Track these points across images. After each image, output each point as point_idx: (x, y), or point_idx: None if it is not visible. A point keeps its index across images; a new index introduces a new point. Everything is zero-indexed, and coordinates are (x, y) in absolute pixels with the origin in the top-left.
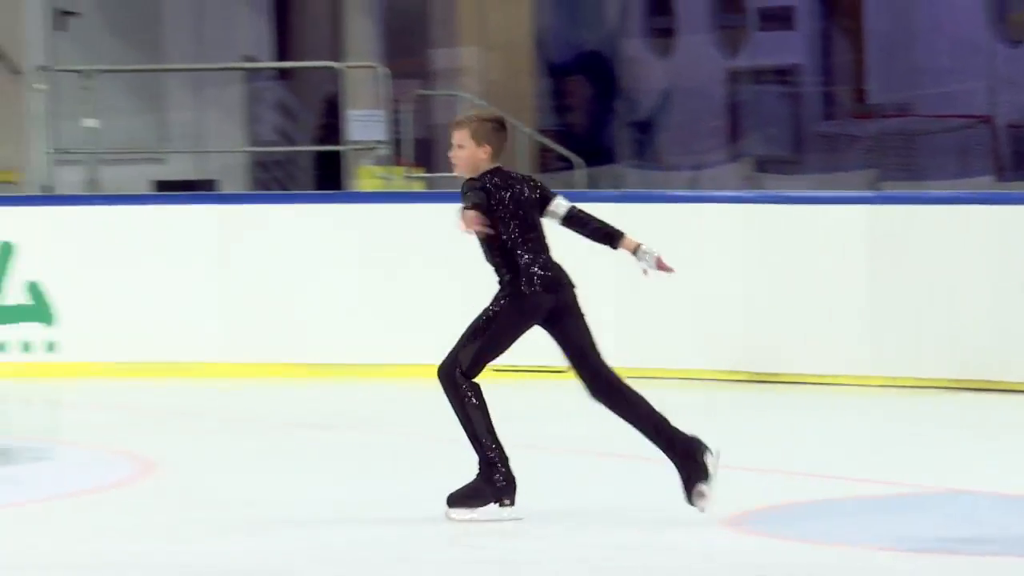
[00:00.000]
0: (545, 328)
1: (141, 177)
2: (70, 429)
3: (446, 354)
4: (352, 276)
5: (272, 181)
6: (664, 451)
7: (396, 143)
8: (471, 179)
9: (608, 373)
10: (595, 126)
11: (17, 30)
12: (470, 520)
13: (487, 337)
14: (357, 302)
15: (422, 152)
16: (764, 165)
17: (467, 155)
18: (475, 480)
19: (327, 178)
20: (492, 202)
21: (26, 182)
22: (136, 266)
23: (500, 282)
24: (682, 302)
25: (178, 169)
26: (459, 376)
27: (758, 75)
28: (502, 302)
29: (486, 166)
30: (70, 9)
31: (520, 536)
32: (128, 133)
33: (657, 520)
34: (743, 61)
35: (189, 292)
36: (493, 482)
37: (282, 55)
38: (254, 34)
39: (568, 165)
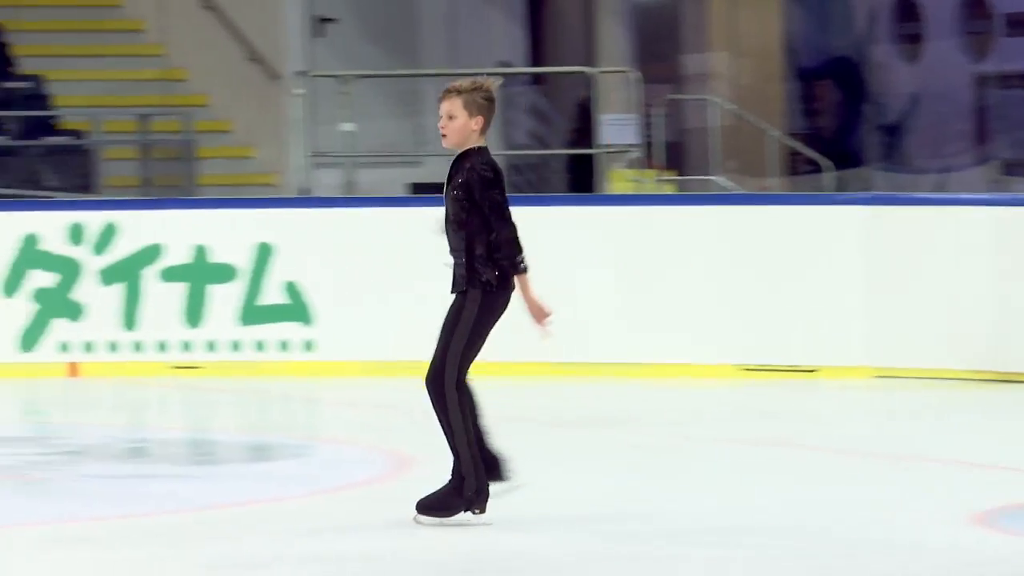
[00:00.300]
0: None
1: (397, 180)
2: (328, 426)
3: (431, 359)
4: (604, 277)
5: (526, 184)
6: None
7: (648, 147)
8: (476, 155)
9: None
10: (843, 130)
11: (277, 36)
12: (439, 524)
13: (470, 338)
14: (610, 302)
15: (673, 156)
16: (1011, 168)
17: (459, 126)
18: (446, 488)
19: (580, 181)
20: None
21: (285, 184)
22: (392, 266)
23: (471, 273)
24: (930, 302)
25: (434, 172)
26: (448, 383)
27: (1005, 80)
28: (477, 300)
29: (475, 140)
30: (328, 16)
31: (760, 533)
32: (384, 137)
33: (903, 517)
34: (990, 66)
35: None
36: (463, 493)
37: (536, 61)
38: (508, 40)
39: (816, 168)
